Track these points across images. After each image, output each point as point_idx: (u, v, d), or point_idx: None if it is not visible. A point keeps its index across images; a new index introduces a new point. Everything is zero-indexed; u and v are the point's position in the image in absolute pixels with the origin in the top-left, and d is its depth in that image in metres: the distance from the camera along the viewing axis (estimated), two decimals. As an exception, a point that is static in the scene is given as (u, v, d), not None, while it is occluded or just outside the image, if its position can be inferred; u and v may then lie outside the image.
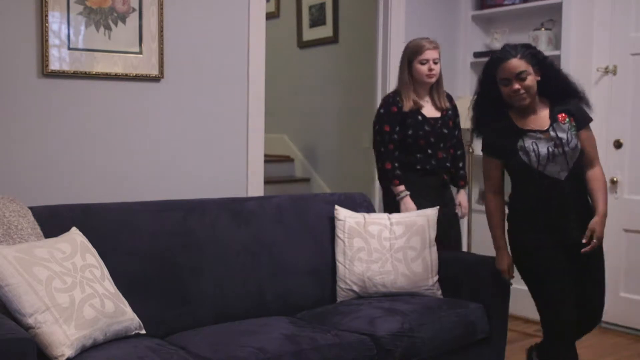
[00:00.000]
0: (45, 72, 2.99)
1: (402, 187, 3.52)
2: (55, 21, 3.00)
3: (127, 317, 2.43)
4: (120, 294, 2.47)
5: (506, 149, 2.88)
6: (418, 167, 3.58)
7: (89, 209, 2.77)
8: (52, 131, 3.04)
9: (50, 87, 3.02)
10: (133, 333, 2.47)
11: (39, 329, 2.14)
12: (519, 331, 4.21)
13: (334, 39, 5.41)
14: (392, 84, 4.28)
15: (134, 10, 3.19)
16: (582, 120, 2.88)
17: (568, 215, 2.83)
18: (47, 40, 2.97)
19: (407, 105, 3.54)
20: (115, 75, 3.17)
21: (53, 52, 3.00)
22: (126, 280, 2.60)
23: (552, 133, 2.83)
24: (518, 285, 3.14)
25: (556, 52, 4.25)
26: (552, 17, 4.36)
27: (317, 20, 5.57)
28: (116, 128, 3.20)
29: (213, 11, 3.46)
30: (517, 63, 2.79)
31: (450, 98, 3.72)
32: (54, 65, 3.01)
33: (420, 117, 3.55)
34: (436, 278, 3.23)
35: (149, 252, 2.78)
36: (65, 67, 3.04)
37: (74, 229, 2.54)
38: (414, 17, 4.34)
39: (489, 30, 4.71)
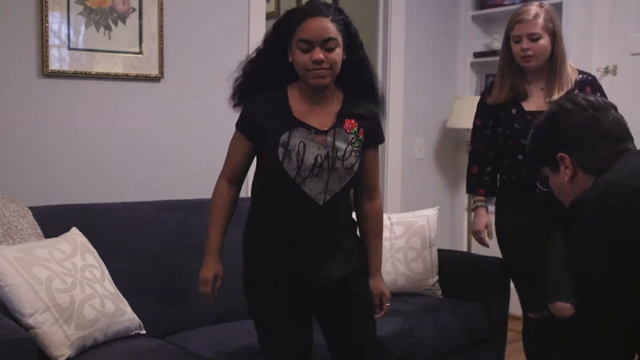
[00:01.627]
0: (45, 72, 2.99)
1: (479, 197, 2.88)
2: (55, 21, 2.99)
3: (127, 317, 2.43)
4: (120, 294, 2.47)
5: (266, 133, 2.11)
6: (504, 176, 2.84)
7: (89, 209, 2.77)
8: (52, 131, 3.03)
9: (50, 87, 3.02)
10: (133, 333, 2.47)
11: (39, 329, 2.14)
12: (519, 331, 4.19)
13: (334, 39, 5.40)
14: (392, 84, 4.26)
15: (134, 10, 3.19)
16: (373, 137, 2.18)
17: (318, 252, 2.13)
18: (47, 40, 2.97)
19: (499, 95, 2.73)
20: (115, 75, 3.17)
21: (53, 52, 3.00)
22: (126, 280, 2.60)
23: (329, 138, 2.09)
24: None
25: (556, 52, 4.25)
26: (552, 17, 4.36)
27: (317, 20, 5.55)
28: (116, 128, 3.20)
29: (213, 11, 3.46)
30: (328, 25, 2.04)
31: (585, 83, 2.70)
32: (54, 65, 3.01)
33: (514, 111, 2.71)
34: (436, 278, 3.23)
35: (149, 252, 2.78)
36: (65, 67, 3.04)
37: (74, 229, 2.54)
38: (413, 17, 4.34)
39: (489, 30, 4.70)
